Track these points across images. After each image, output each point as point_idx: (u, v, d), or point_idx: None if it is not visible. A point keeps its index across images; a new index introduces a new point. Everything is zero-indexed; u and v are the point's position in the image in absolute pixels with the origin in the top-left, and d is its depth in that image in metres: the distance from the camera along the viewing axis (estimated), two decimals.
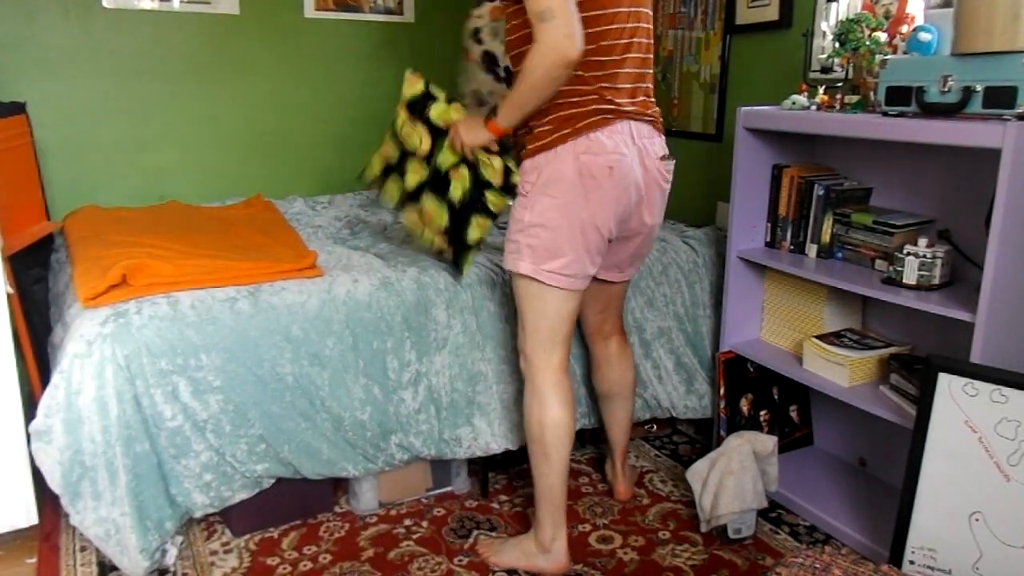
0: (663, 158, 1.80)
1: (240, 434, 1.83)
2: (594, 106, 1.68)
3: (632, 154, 1.71)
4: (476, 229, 1.96)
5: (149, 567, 1.76)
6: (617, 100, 1.70)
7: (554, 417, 1.79)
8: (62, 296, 2.11)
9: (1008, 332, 1.66)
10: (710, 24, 2.75)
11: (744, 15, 2.59)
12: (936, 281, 1.80)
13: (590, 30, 1.61)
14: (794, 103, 2.06)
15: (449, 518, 2.12)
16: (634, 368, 2.16)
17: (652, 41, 1.79)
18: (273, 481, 1.93)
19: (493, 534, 2.04)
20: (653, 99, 1.81)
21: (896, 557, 1.70)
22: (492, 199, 1.91)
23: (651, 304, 2.36)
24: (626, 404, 2.15)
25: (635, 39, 1.72)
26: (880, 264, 1.95)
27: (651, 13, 1.77)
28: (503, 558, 1.91)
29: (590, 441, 2.52)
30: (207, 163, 3.16)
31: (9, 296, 1.83)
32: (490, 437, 2.11)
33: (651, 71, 1.80)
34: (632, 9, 1.70)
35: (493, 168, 1.89)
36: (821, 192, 2.08)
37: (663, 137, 1.82)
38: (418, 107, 1.92)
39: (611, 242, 1.80)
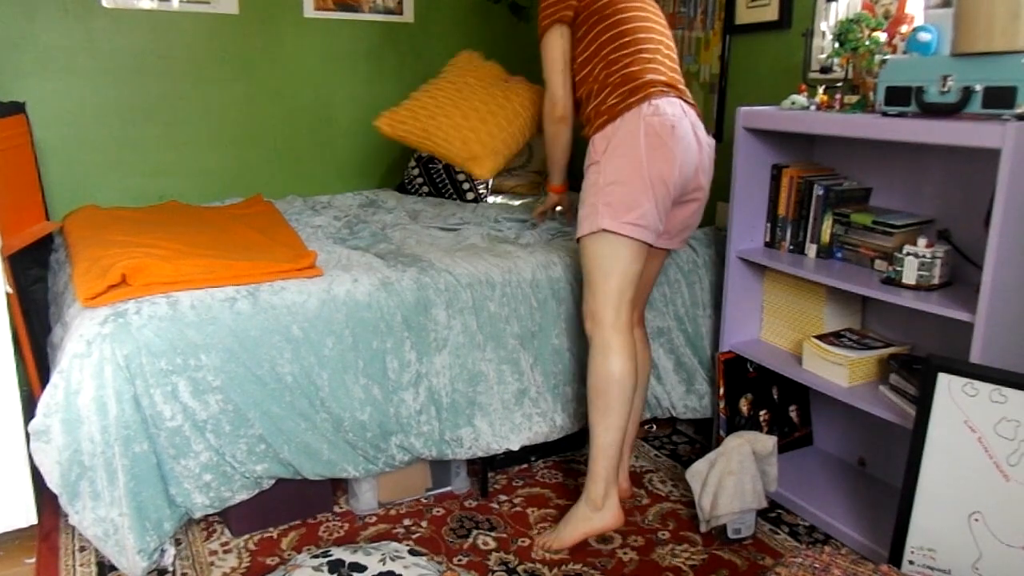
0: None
1: (240, 434, 1.83)
2: (649, 77, 1.92)
3: (688, 128, 1.92)
4: None
5: (147, 567, 1.76)
6: (664, 79, 1.95)
7: (621, 370, 1.86)
8: (61, 296, 2.11)
9: (1007, 332, 1.66)
10: (710, 24, 2.75)
11: (744, 15, 2.59)
12: (935, 281, 1.80)
13: (623, 27, 1.98)
14: (794, 103, 2.06)
15: (448, 518, 2.12)
16: (650, 360, 2.24)
17: (674, 50, 2.09)
18: (273, 481, 1.93)
19: (492, 533, 2.04)
20: (693, 101, 2.03)
21: (895, 557, 1.70)
22: None
23: (650, 304, 2.36)
24: (642, 394, 2.22)
25: (659, 44, 2.02)
26: (880, 264, 1.95)
27: (661, 26, 2.07)
28: (564, 537, 1.95)
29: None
30: (207, 163, 3.16)
31: (8, 296, 1.83)
32: (491, 438, 2.11)
33: (679, 74, 2.06)
34: (643, 14, 2.02)
35: None
36: (821, 192, 2.08)
37: (703, 128, 2.03)
38: None
39: (672, 206, 1.94)
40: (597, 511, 1.93)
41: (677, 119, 1.89)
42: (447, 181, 3.13)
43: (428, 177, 3.17)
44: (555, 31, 2.07)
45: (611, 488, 1.93)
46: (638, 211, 1.84)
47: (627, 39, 1.97)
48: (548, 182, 2.46)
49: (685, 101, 1.97)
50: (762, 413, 2.35)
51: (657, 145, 1.85)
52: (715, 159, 2.02)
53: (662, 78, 1.94)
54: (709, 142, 2.01)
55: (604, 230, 1.86)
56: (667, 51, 2.04)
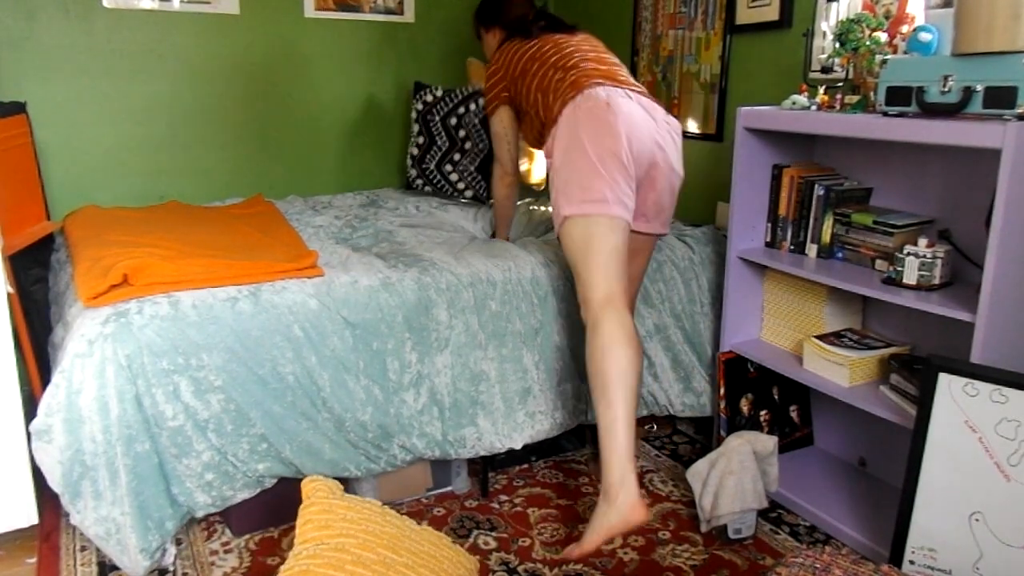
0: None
1: (242, 434, 1.83)
2: (576, 78, 1.99)
3: (630, 104, 1.95)
4: None
5: (149, 566, 1.76)
6: (597, 74, 2.00)
7: (612, 343, 1.77)
8: (63, 296, 2.11)
9: (1008, 332, 1.66)
10: (710, 24, 2.75)
11: (744, 15, 2.60)
12: (936, 281, 1.80)
13: (547, 67, 2.08)
14: (794, 103, 2.06)
15: (449, 518, 2.12)
16: (642, 353, 2.21)
17: (605, 53, 2.16)
18: (275, 480, 1.93)
19: (493, 533, 2.05)
20: (642, 89, 2.07)
21: (896, 557, 1.70)
22: None
23: (646, 300, 2.37)
24: (634, 388, 2.18)
25: (585, 55, 2.09)
26: (880, 264, 1.96)
27: (588, 45, 2.16)
28: (584, 543, 1.73)
29: (590, 440, 2.52)
30: (207, 163, 3.16)
31: (9, 296, 1.83)
32: (494, 437, 2.12)
33: (620, 68, 2.12)
34: (562, 46, 2.13)
35: None
36: (821, 192, 2.09)
37: (663, 111, 2.07)
38: None
39: (639, 184, 1.97)
40: (612, 504, 1.71)
41: (611, 97, 1.93)
42: (449, 180, 3.12)
43: (429, 177, 3.16)
44: (498, 111, 2.29)
45: (627, 476, 1.71)
46: (593, 190, 1.86)
47: (551, 70, 2.07)
48: (497, 236, 2.58)
49: (630, 88, 2.01)
50: (763, 413, 2.35)
51: (595, 124, 1.90)
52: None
53: (594, 73, 2.01)
54: (669, 120, 2.05)
55: (567, 217, 1.89)
56: (597, 60, 2.08)
